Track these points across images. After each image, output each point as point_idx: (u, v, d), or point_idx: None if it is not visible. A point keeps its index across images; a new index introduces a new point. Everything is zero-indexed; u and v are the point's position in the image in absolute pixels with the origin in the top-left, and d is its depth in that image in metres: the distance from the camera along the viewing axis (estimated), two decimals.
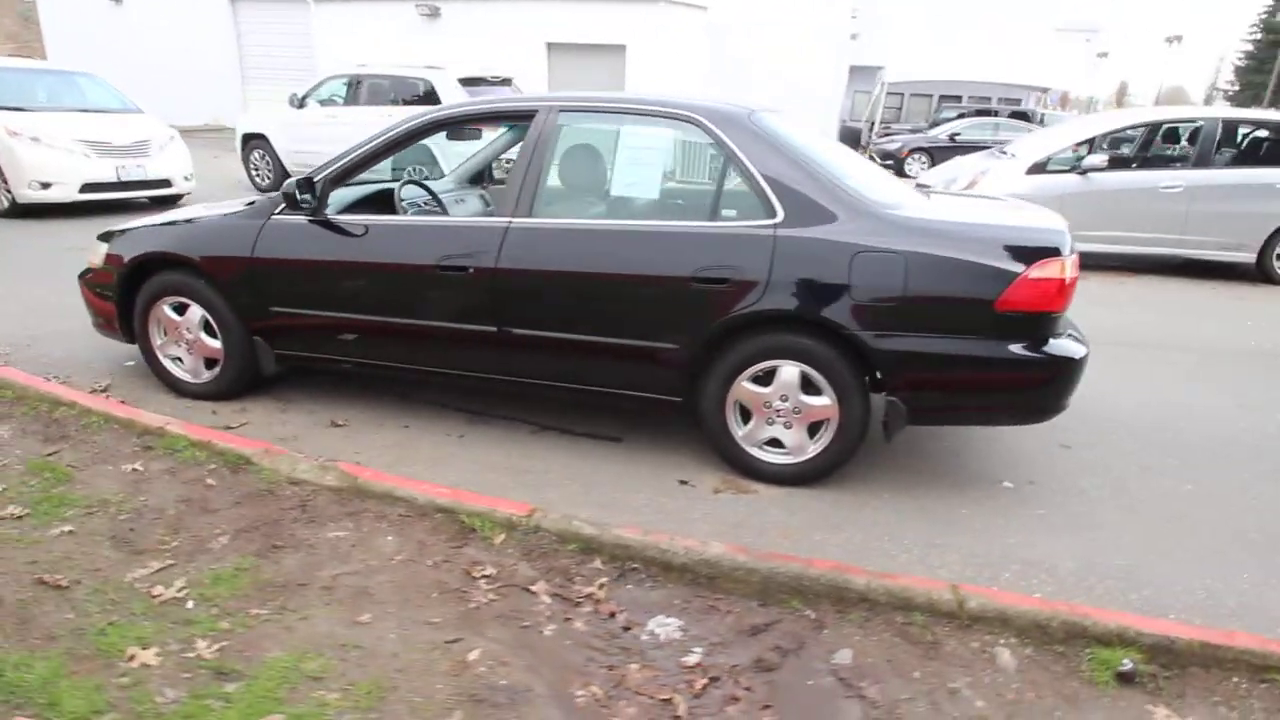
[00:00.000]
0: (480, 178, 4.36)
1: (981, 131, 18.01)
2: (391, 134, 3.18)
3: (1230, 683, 1.93)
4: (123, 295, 3.52)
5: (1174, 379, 4.40)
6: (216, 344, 3.45)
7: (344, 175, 3.26)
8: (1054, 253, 2.59)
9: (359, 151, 3.21)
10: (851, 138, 19.26)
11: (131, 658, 1.83)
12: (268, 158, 10.39)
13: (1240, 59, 58.13)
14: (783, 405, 2.85)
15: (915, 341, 2.66)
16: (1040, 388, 2.68)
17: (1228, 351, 4.98)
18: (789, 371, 2.80)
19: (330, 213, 3.25)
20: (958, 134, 17.72)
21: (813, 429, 2.87)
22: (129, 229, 3.63)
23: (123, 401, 3.40)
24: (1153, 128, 7.65)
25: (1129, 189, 6.70)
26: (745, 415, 2.93)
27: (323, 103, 10.13)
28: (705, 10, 17.04)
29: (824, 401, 2.80)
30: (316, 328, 3.29)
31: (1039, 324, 2.63)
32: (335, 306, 3.23)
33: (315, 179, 3.15)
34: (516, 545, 2.39)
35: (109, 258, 3.53)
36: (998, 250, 2.61)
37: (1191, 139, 7.32)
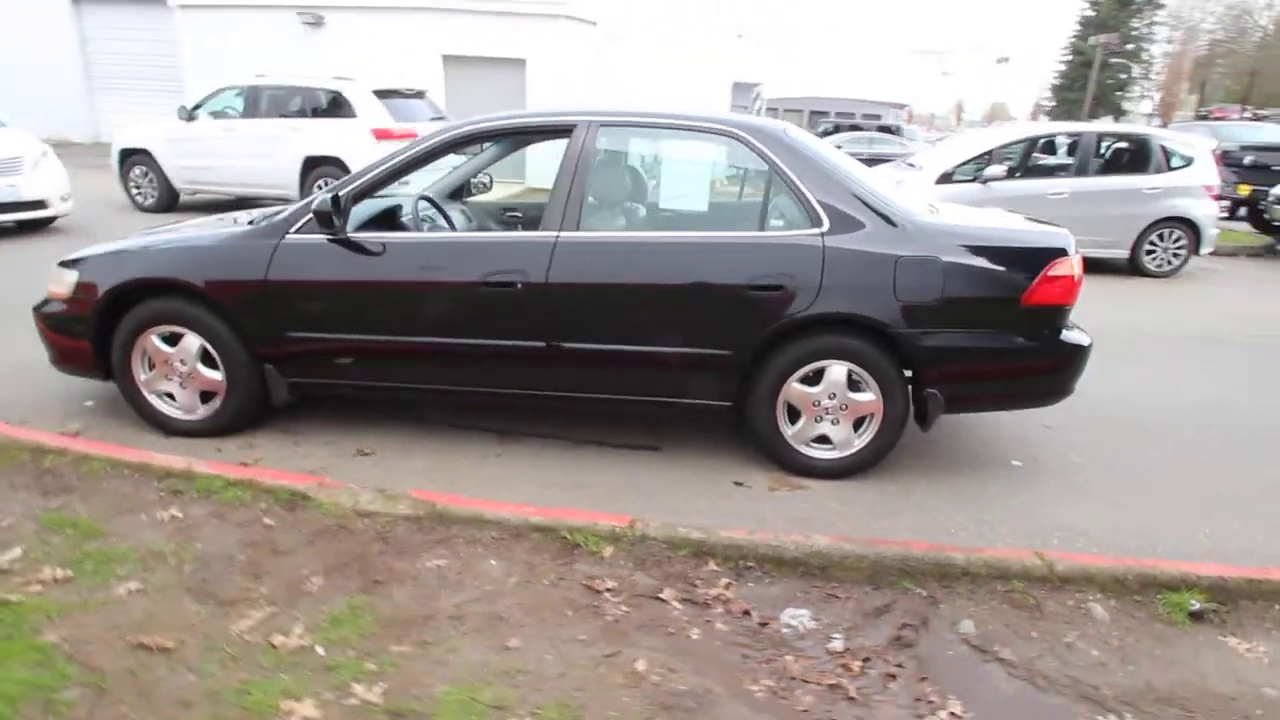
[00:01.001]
0: (458, 194, 4.28)
1: (857, 145, 19.36)
2: (419, 149, 3.08)
3: (1275, 609, 2.28)
4: (99, 328, 3.18)
5: (1105, 361, 5.00)
6: (216, 375, 3.18)
7: (367, 191, 3.12)
8: (1064, 253, 2.92)
9: (384, 167, 3.08)
10: None
11: (290, 713, 1.70)
12: (151, 175, 9.51)
13: (1055, 79, 65.98)
14: (830, 403, 3.02)
15: (953, 337, 2.91)
16: (1058, 373, 3.01)
17: (1139, 333, 5.69)
18: (837, 371, 2.97)
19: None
20: (839, 146, 18.93)
21: (857, 424, 3.06)
22: (97, 254, 3.28)
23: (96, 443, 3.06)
24: (1039, 141, 8.61)
25: (1023, 195, 7.49)
26: (792, 415, 3.07)
27: (215, 115, 9.42)
28: (595, 25, 17.30)
29: (869, 397, 3.00)
30: (341, 352, 3.12)
31: (1056, 316, 2.96)
32: (363, 329, 3.08)
33: (340, 195, 2.99)
34: (626, 556, 2.40)
35: (81, 287, 3.17)
36: (1021, 252, 2.92)
37: (1070, 150, 8.31)
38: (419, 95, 9.75)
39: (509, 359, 3.05)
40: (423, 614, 2.09)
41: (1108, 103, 57.88)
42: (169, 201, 9.62)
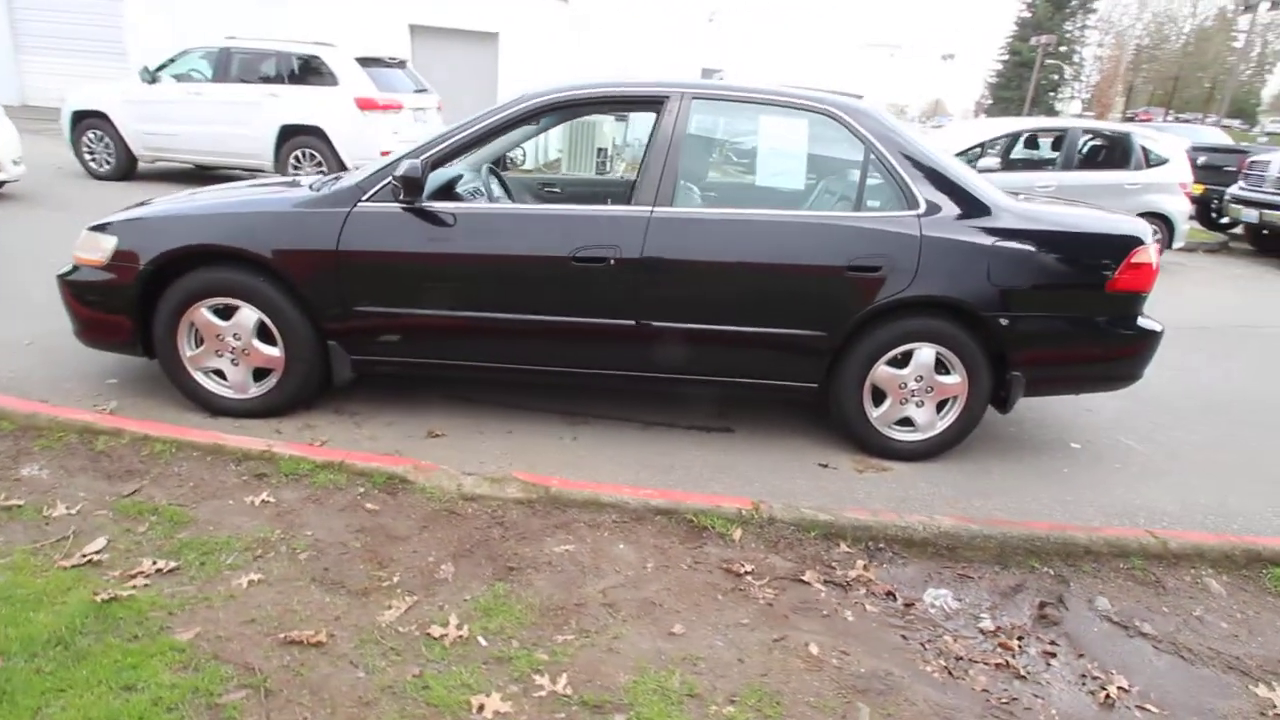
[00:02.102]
0: (497, 164, 4.11)
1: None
2: (501, 115, 2.92)
3: None
4: (141, 299, 2.92)
5: None
6: (274, 352, 2.98)
7: (447, 159, 2.95)
8: (1144, 241, 2.99)
9: (465, 133, 2.91)
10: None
11: (480, 708, 1.59)
12: (107, 140, 8.86)
13: (993, 77, 68.34)
14: (916, 385, 3.03)
15: (1041, 321, 2.95)
16: (1134, 358, 3.09)
17: None
18: (925, 353, 2.98)
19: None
20: None
21: (939, 406, 3.08)
22: (139, 218, 3.01)
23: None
24: (1023, 135, 8.86)
25: (1013, 187, 7.70)
26: (877, 397, 3.07)
27: (179, 78, 8.82)
28: (568, 3, 16.96)
29: (955, 380, 3.02)
30: (414, 328, 2.95)
31: (1136, 303, 3.03)
32: (439, 304, 2.92)
33: (418, 161, 2.82)
34: (756, 539, 2.35)
35: (121, 254, 2.91)
36: (1107, 239, 2.97)
37: (1055, 145, 8.57)
38: (401, 65, 9.35)
39: (595, 337, 2.95)
40: (573, 601, 2.00)
41: (1041, 102, 60.45)
42: (127, 168, 8.99)
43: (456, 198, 3.16)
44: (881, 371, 3.00)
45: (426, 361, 3.03)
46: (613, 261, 2.83)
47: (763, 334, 2.93)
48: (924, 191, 2.89)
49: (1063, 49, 62.39)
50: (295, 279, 2.87)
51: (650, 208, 2.86)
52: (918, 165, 2.92)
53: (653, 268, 2.84)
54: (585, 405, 3.41)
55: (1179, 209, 8.02)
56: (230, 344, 2.98)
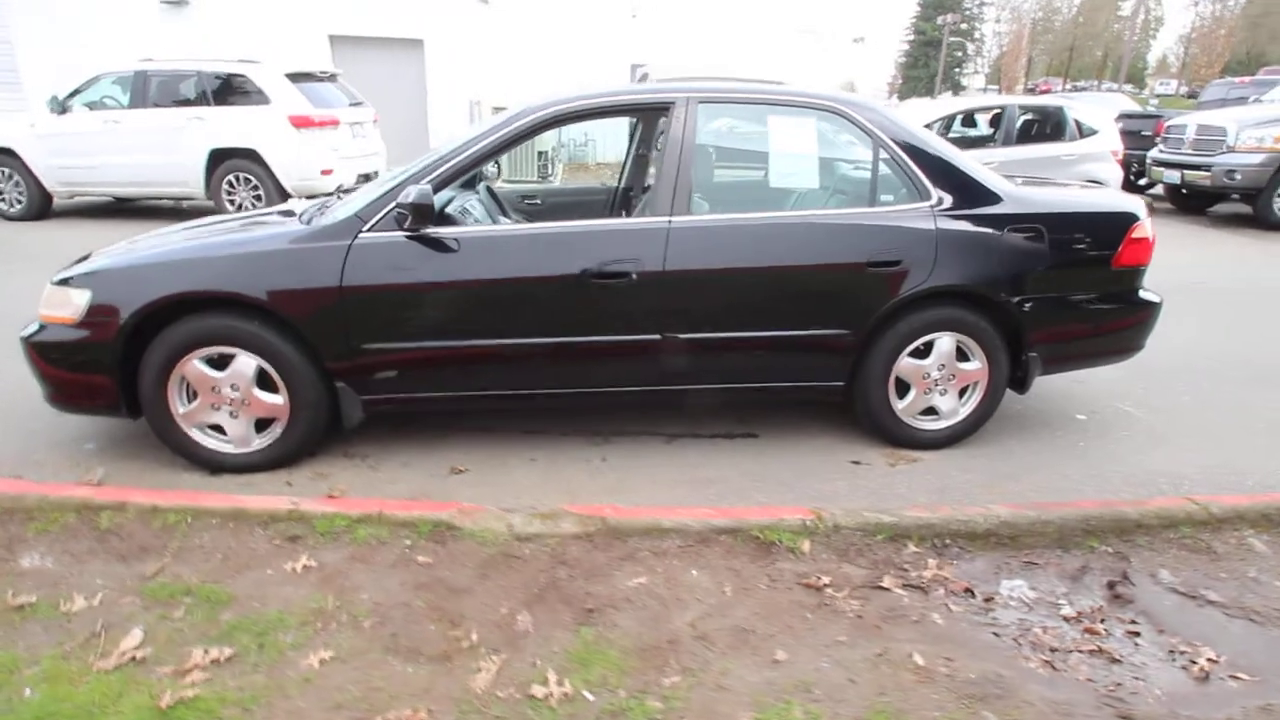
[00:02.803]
0: (472, 180, 3.96)
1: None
2: (505, 132, 2.79)
3: None
4: (124, 356, 2.68)
5: None
6: (276, 399, 2.78)
7: (450, 181, 2.80)
8: (1138, 217, 3.08)
9: (466, 154, 2.77)
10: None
11: None
12: (17, 178, 8.22)
13: (901, 58, 70.64)
14: (939, 374, 3.05)
15: (1055, 302, 3.01)
16: (1138, 329, 3.19)
17: None
18: (946, 342, 3.00)
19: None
20: None
21: (960, 393, 3.11)
22: (109, 267, 2.76)
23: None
24: (968, 113, 9.13)
25: None
26: (900, 389, 3.08)
27: (92, 107, 8.23)
28: (489, 5, 16.63)
29: (975, 366, 3.06)
30: (428, 362, 2.80)
31: (1137, 276, 3.13)
32: (454, 334, 2.78)
33: (428, 185, 2.66)
34: (825, 548, 2.31)
35: (97, 309, 2.66)
36: (1108, 217, 3.06)
37: (993, 123, 8.86)
38: (332, 78, 8.96)
39: (620, 355, 2.86)
40: (664, 638, 1.92)
41: (948, 78, 62.89)
42: (41, 207, 8.37)
43: (451, 220, 3.01)
44: (905, 364, 3.01)
45: (444, 396, 2.89)
46: (634, 276, 2.75)
47: (788, 337, 2.90)
48: (935, 183, 2.91)
49: (964, 26, 65.07)
50: (296, 320, 2.68)
51: (668, 218, 2.79)
52: (925, 158, 2.93)
53: (675, 279, 2.77)
54: (606, 423, 3.32)
55: (1113, 175, 8.41)
56: (228, 396, 2.76)
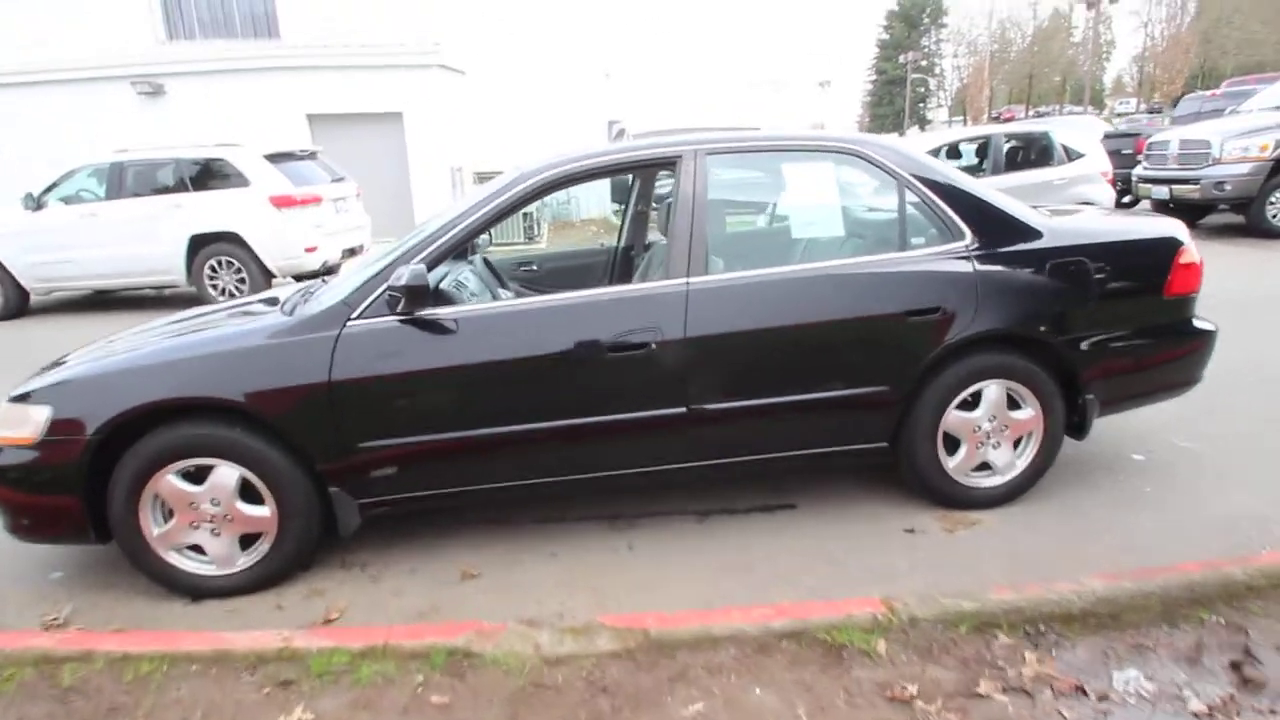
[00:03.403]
0: (462, 255, 3.74)
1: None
2: (501, 200, 2.57)
3: None
4: (91, 475, 2.39)
5: None
6: (263, 512, 2.48)
7: (444, 257, 2.56)
8: (1182, 242, 2.88)
9: (460, 226, 2.54)
10: (622, 187, 20.20)
11: None
12: None
13: (867, 97, 72.69)
14: (990, 426, 2.79)
15: (1108, 338, 2.77)
16: (1195, 359, 2.95)
17: None
18: (995, 391, 2.75)
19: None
20: None
21: (1014, 444, 2.85)
22: (72, 379, 2.49)
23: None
24: (952, 145, 9.10)
25: None
26: (949, 445, 2.81)
27: (68, 201, 8.06)
28: (464, 74, 16.85)
29: (1029, 414, 2.80)
30: (432, 456, 2.52)
31: (1189, 304, 2.90)
32: (459, 424, 2.50)
33: (422, 265, 2.43)
34: (903, 647, 2.00)
35: (58, 425, 2.38)
36: (1152, 245, 2.85)
37: (979, 152, 8.82)
38: (312, 156, 8.86)
39: (643, 432, 2.58)
40: None
41: (914, 114, 64.61)
42: (18, 305, 8.12)
43: (446, 298, 2.76)
44: (953, 417, 2.75)
45: (450, 492, 2.59)
46: (653, 346, 2.50)
47: (827, 399, 2.64)
48: (967, 222, 2.70)
49: (924, 63, 67.18)
50: (281, 422, 2.40)
51: (685, 279, 2.55)
52: (954, 195, 2.73)
53: (700, 346, 2.52)
54: (629, 505, 3.03)
55: (1106, 196, 8.34)
56: (208, 512, 2.46)
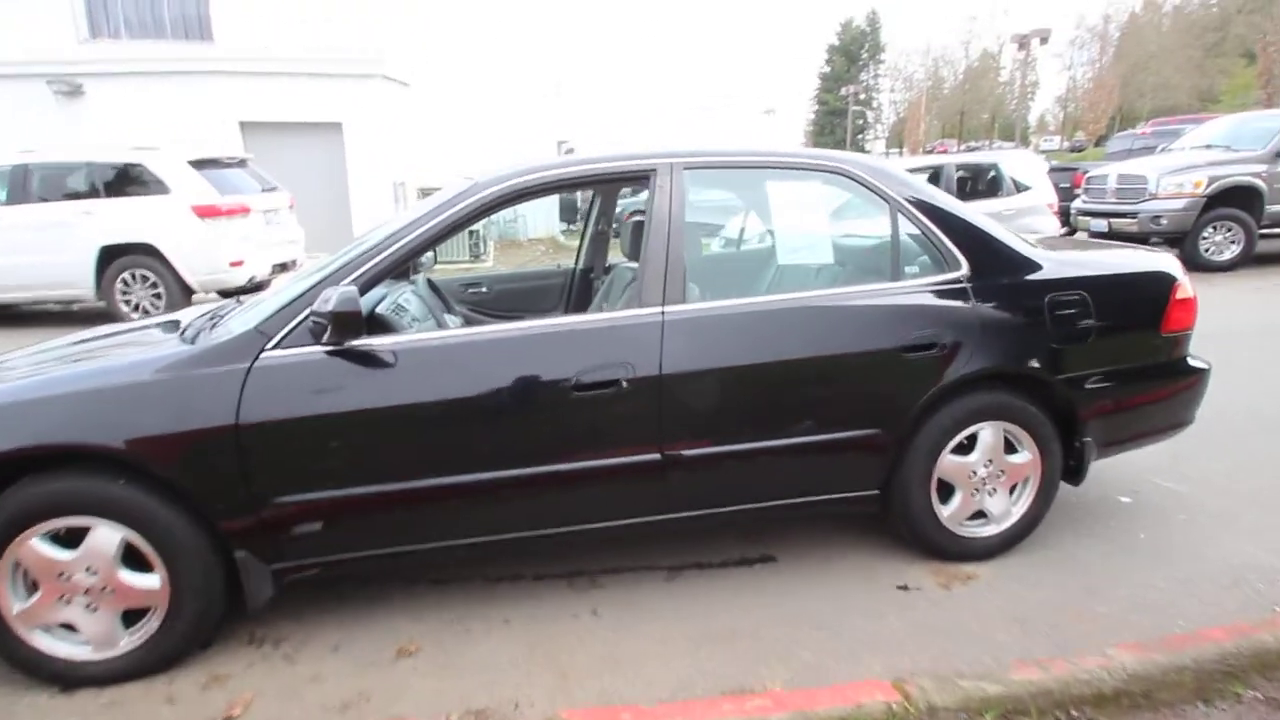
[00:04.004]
0: (403, 275, 3.37)
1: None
2: (452, 213, 2.22)
3: None
4: None
5: None
6: (151, 582, 2.06)
7: (381, 278, 2.20)
8: (1177, 277, 2.74)
9: (403, 242, 2.19)
10: (570, 207, 19.99)
11: None
12: None
13: (809, 127, 74.74)
14: (985, 471, 2.57)
15: (1108, 378, 2.60)
16: (1190, 399, 2.80)
17: None
18: (991, 433, 2.54)
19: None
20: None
21: (1010, 490, 2.64)
22: None
23: None
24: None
25: None
26: (943, 493, 2.58)
27: None
28: (409, 86, 16.37)
29: (1025, 457, 2.60)
30: (362, 511, 2.14)
31: (1185, 341, 2.76)
32: (396, 473, 2.13)
33: (354, 287, 2.06)
34: None
35: None
36: (1149, 279, 2.70)
37: (932, 181, 8.88)
38: (241, 163, 8.29)
39: (610, 481, 2.26)
40: None
41: (855, 144, 66.70)
42: None
43: (383, 325, 2.40)
44: (948, 462, 2.52)
45: (385, 553, 2.21)
46: (624, 384, 2.18)
47: (815, 443, 2.37)
48: (963, 251, 2.49)
49: (863, 96, 69.57)
50: (174, 475, 1.99)
51: (660, 308, 2.26)
52: (949, 221, 2.52)
53: (676, 384, 2.22)
54: (590, 559, 2.69)
55: (1052, 227, 8.48)
56: (82, 583, 2.02)
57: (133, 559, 2.04)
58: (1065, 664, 1.91)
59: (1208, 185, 9.11)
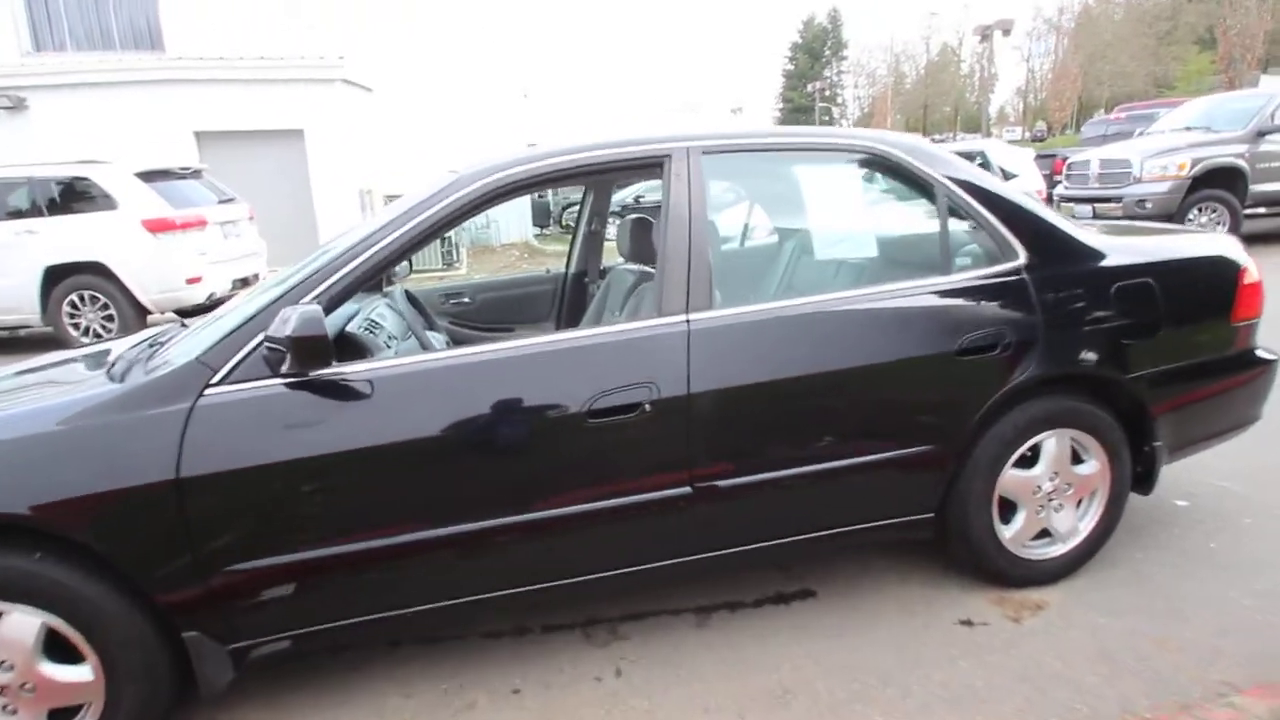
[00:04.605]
0: (375, 286, 3.00)
1: (655, 193, 19.70)
2: (433, 213, 1.86)
3: None
4: None
5: None
6: (81, 673, 1.68)
7: (349, 293, 1.83)
8: (1243, 262, 2.47)
9: (378, 247, 1.82)
10: (542, 211, 19.58)
11: None
12: None
13: (776, 124, 75.10)
14: (1051, 485, 2.28)
15: (1180, 375, 2.32)
16: (1259, 392, 2.54)
17: None
18: (1056, 442, 2.25)
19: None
20: (642, 196, 19.08)
21: (1076, 504, 2.35)
22: None
23: None
24: None
25: None
26: (1004, 511, 2.28)
27: None
28: (372, 92, 15.86)
29: (1093, 468, 2.31)
30: (338, 573, 1.77)
31: (1254, 331, 2.50)
32: (377, 527, 1.77)
33: (316, 306, 1.69)
34: None
35: None
36: (1214, 265, 2.43)
37: None
38: (195, 174, 7.79)
39: (632, 521, 1.92)
40: None
41: None
42: None
43: (354, 347, 2.04)
44: (1010, 477, 2.23)
45: (367, 620, 1.84)
46: (647, 407, 1.85)
47: (864, 463, 2.06)
48: (1021, 239, 2.19)
49: (827, 93, 70.08)
50: (101, 543, 1.61)
51: (684, 316, 1.92)
52: (1002, 207, 2.22)
53: (707, 403, 1.89)
54: (607, 603, 2.35)
55: None
56: None
57: (58, 648, 1.66)
58: (1228, 715, 1.61)
59: (1191, 167, 9.02)
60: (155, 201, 6.88)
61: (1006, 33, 27.03)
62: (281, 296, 1.74)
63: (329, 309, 1.75)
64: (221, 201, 7.73)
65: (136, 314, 6.84)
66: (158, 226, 6.81)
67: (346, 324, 2.25)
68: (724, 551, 2.05)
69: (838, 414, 2.03)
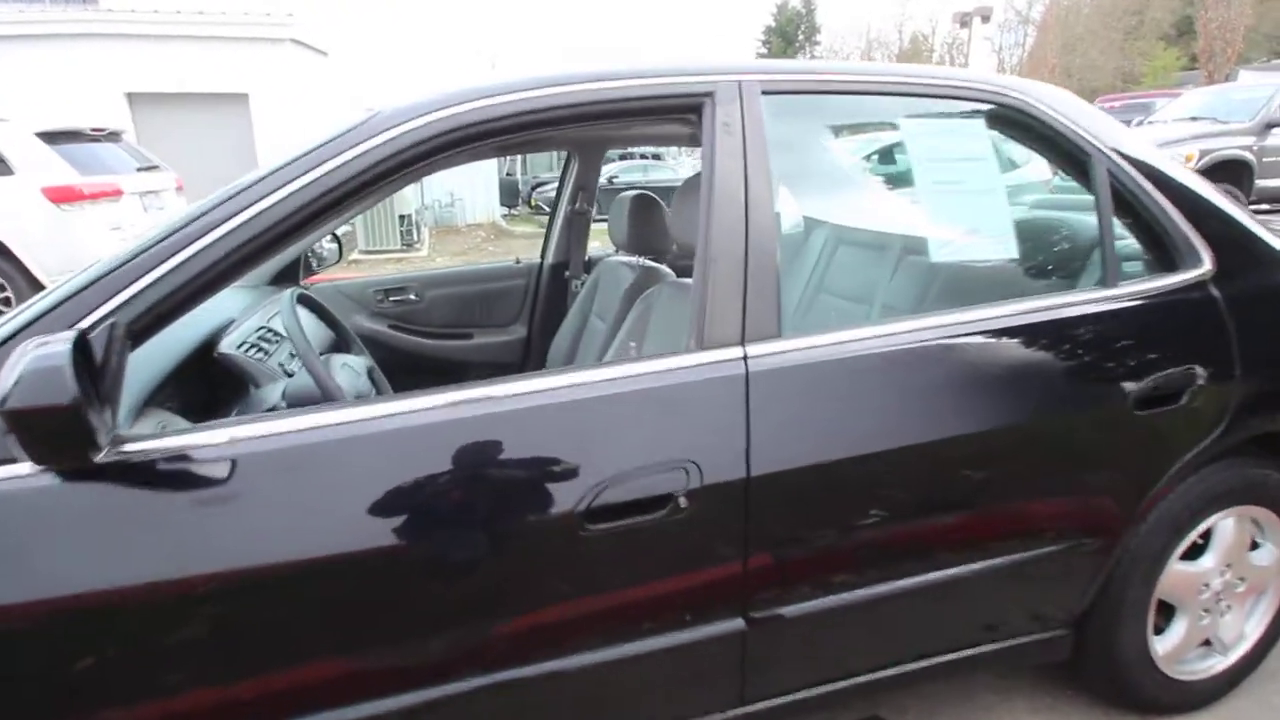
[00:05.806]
0: (286, 275, 2.23)
1: (632, 174, 18.91)
2: (329, 169, 1.12)
3: None
4: None
5: None
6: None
7: (167, 317, 1.06)
8: None
9: (229, 229, 1.07)
10: (510, 190, 18.67)
11: None
12: None
13: None
14: (1221, 582, 1.64)
15: None
16: None
17: None
18: (1235, 525, 1.61)
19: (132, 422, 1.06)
20: (615, 177, 18.27)
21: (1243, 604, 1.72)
22: None
23: None
24: (885, 150, 8.23)
25: None
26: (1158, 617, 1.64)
27: None
28: (327, 56, 14.74)
29: (1272, 555, 1.68)
30: None
31: None
32: (238, 709, 1.04)
33: (91, 336, 0.93)
34: None
35: None
36: None
37: (883, 160, 7.96)
38: (113, 137, 6.80)
39: (647, 675, 1.22)
40: None
41: None
42: None
43: (236, 377, 1.29)
44: (1175, 572, 1.58)
45: None
46: (681, 501, 1.14)
47: (996, 568, 1.38)
48: (1208, 240, 1.52)
49: None
50: None
51: (739, 349, 1.21)
52: (1183, 195, 1.54)
53: (775, 491, 1.19)
54: None
55: None
56: None
57: None
58: None
59: (1199, 159, 8.58)
60: (59, 166, 5.91)
61: (986, 19, 26.63)
62: (35, 320, 0.98)
63: (137, 336, 1.00)
64: (142, 169, 6.76)
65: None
66: (61, 195, 5.85)
67: (219, 339, 1.50)
68: (782, 700, 1.36)
69: (961, 500, 1.35)
